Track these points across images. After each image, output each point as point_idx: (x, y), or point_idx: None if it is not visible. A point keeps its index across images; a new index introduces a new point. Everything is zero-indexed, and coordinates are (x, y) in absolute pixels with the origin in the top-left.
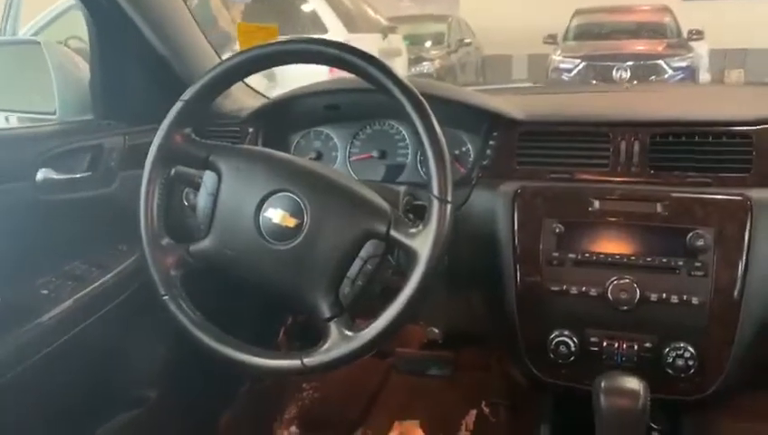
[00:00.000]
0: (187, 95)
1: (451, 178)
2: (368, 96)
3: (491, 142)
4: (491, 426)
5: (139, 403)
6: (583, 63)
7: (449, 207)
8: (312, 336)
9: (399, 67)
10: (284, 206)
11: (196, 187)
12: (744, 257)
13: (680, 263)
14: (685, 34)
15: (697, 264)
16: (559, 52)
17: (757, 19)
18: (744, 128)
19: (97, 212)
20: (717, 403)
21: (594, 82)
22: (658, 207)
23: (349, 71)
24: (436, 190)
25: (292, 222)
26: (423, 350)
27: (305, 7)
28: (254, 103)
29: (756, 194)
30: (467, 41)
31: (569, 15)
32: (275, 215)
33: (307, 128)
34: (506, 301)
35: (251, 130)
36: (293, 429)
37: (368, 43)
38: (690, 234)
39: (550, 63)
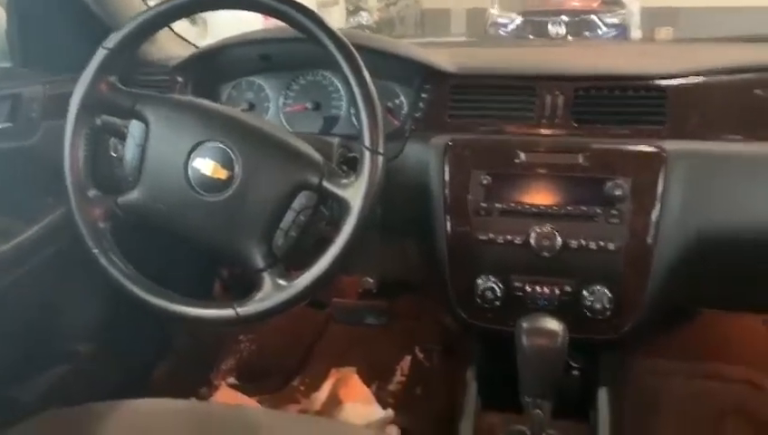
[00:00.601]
0: (110, 42)
1: (383, 129)
2: (301, 46)
3: (423, 95)
4: (425, 370)
5: (73, 357)
6: (520, 19)
7: (381, 158)
8: (247, 289)
9: (336, 17)
10: (214, 156)
11: (123, 137)
12: (658, 205)
13: (598, 211)
14: None
15: (614, 212)
16: (496, 6)
17: None
18: (659, 82)
19: (20, 164)
20: (632, 342)
21: (531, 37)
22: (580, 159)
23: (281, 19)
24: (367, 142)
25: (222, 173)
26: (359, 300)
27: None
28: (182, 52)
29: (670, 145)
30: None
31: None
32: (205, 166)
33: (238, 78)
34: (437, 250)
35: (180, 79)
36: (231, 379)
37: None
38: (609, 183)
39: (488, 18)
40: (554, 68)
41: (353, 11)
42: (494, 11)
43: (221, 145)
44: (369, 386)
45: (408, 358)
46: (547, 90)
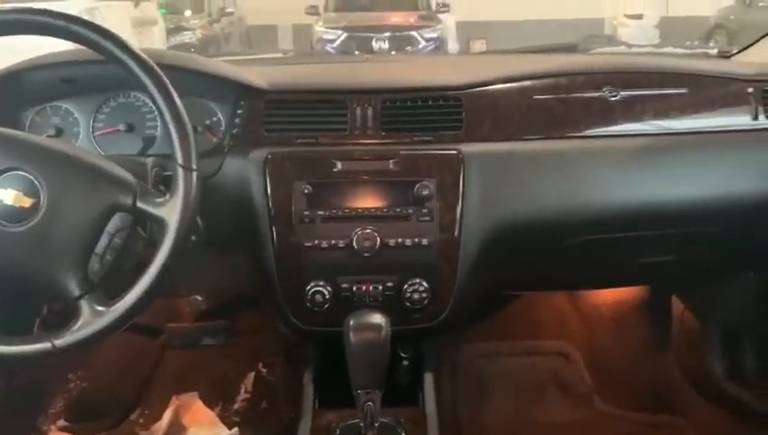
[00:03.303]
0: None
1: (194, 145)
2: (107, 68)
3: (239, 111)
4: (269, 383)
5: None
6: (345, 34)
7: (194, 174)
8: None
9: (156, 37)
10: (16, 185)
11: None
12: (460, 201)
13: (410, 211)
14: (434, 7)
15: (424, 210)
16: (321, 23)
17: None
18: (456, 92)
19: None
20: (454, 329)
21: (357, 52)
22: (391, 164)
23: (79, 43)
24: (180, 159)
25: (26, 202)
26: (196, 322)
27: None
28: None
29: (466, 148)
30: (229, 10)
31: None
32: (6, 196)
33: (43, 103)
34: (265, 260)
35: None
36: (61, 422)
37: (117, 11)
38: (417, 185)
39: (313, 34)
40: (363, 82)
41: (174, 29)
42: (320, 27)
43: (23, 173)
44: (213, 408)
45: (251, 374)
46: (357, 102)
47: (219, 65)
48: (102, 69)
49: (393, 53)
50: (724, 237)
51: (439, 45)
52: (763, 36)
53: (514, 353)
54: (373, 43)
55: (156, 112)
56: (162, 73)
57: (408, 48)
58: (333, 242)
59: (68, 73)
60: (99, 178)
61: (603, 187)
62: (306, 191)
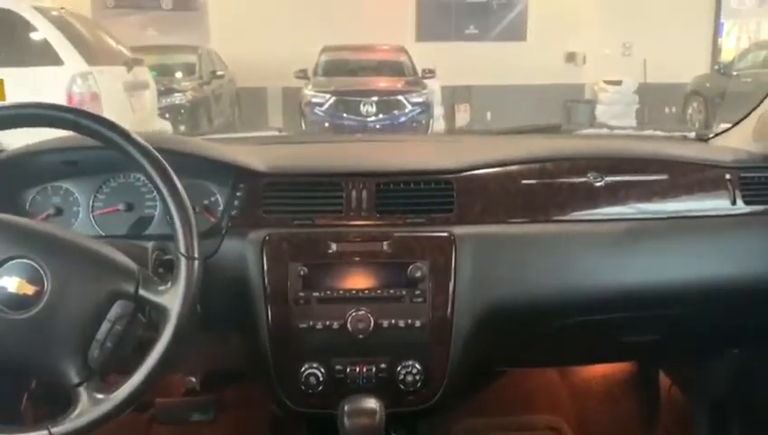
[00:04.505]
0: None
1: (197, 234)
2: (108, 151)
3: (238, 193)
4: None
5: None
6: (333, 98)
7: (197, 263)
8: (60, 399)
9: (148, 100)
10: (21, 273)
11: None
12: (452, 283)
13: (404, 292)
14: (420, 72)
15: (417, 292)
16: (310, 87)
17: (478, 60)
18: (447, 175)
19: None
20: (446, 407)
21: (345, 115)
22: (384, 246)
23: (81, 133)
24: (182, 248)
25: (29, 289)
26: (185, 396)
27: (35, 36)
28: None
29: (458, 230)
30: (220, 73)
31: (317, 50)
32: (11, 283)
33: (44, 183)
34: (259, 340)
35: None
36: None
37: (111, 76)
38: (410, 267)
39: (303, 98)
40: (358, 165)
41: (165, 92)
42: (309, 91)
43: (27, 261)
44: None
45: None
46: (352, 185)
47: (218, 149)
48: (104, 152)
49: (381, 115)
50: (708, 318)
51: (425, 109)
52: (738, 123)
53: (506, 428)
54: (361, 107)
55: (154, 193)
56: (163, 161)
57: (396, 112)
58: (328, 323)
59: (70, 157)
60: (102, 266)
61: (589, 270)
62: (302, 272)
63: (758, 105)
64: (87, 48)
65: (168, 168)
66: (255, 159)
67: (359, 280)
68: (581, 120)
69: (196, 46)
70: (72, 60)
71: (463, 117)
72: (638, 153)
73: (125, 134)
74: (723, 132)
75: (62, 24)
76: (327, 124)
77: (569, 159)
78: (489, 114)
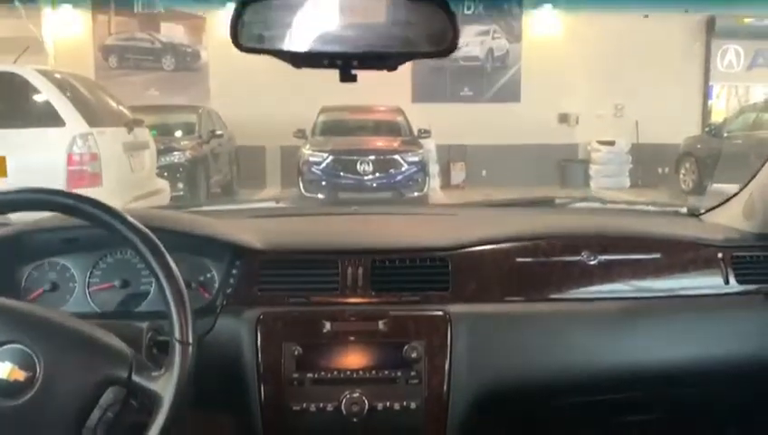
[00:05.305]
0: None
1: (191, 317)
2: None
3: (234, 271)
4: None
5: None
6: (331, 157)
7: (191, 348)
8: None
9: (147, 160)
10: (12, 359)
11: None
12: (448, 363)
13: (399, 374)
14: (416, 132)
15: (413, 373)
16: (308, 146)
17: (473, 120)
18: (442, 253)
19: None
20: None
21: (342, 173)
22: (380, 325)
23: (77, 217)
24: (177, 334)
25: (21, 375)
26: None
27: (38, 97)
28: None
29: (453, 308)
30: (219, 132)
31: (315, 111)
32: (2, 369)
33: (41, 259)
34: (252, 421)
35: None
36: None
37: (111, 137)
38: (406, 347)
39: (301, 157)
40: (354, 242)
41: (165, 150)
42: (307, 150)
43: (19, 346)
44: None
45: None
46: (348, 262)
47: (213, 226)
48: (102, 231)
49: (377, 174)
50: (706, 397)
51: (421, 168)
52: (728, 200)
53: None
54: (358, 165)
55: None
56: (159, 243)
57: (392, 171)
58: (322, 405)
59: (69, 235)
60: (95, 351)
61: (585, 350)
62: (296, 353)
63: (749, 181)
64: (88, 109)
65: (164, 251)
66: (252, 235)
67: (354, 360)
68: (575, 179)
69: (197, 106)
70: (74, 121)
71: (458, 174)
72: (630, 232)
73: (121, 218)
74: (714, 208)
75: (64, 86)
76: (324, 183)
77: (563, 237)
78: (484, 172)
